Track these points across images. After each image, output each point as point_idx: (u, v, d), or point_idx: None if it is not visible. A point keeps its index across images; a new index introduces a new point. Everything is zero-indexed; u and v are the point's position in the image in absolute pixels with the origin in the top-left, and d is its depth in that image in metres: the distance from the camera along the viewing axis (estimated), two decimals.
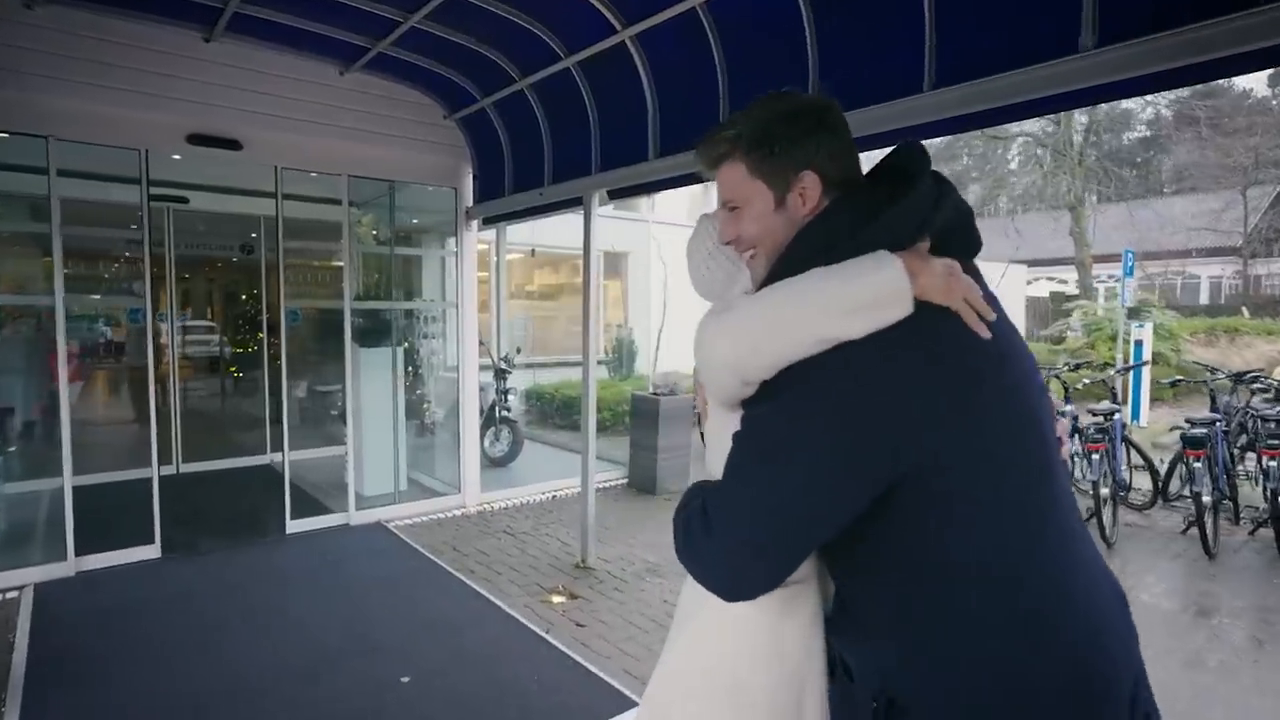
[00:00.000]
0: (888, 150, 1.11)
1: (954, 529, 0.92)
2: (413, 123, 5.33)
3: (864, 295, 0.91)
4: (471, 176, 5.67)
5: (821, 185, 1.04)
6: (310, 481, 6.17)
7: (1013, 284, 15.45)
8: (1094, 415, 5.46)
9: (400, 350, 6.19)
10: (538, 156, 4.85)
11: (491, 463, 6.94)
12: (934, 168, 1.05)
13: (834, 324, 0.91)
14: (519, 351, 8.44)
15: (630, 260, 12.34)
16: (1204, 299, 24.84)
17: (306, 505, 5.41)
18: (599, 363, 10.92)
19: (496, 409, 7.18)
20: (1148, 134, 29.56)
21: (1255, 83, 29.17)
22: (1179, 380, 7.01)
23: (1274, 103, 28.23)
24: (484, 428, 6.88)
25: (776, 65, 3.26)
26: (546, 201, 4.82)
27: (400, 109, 5.26)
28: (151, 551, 4.45)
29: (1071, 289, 21.53)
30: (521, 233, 9.66)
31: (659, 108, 3.90)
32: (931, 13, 2.63)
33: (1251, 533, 5.22)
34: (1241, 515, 5.48)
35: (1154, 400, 9.98)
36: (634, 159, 4.05)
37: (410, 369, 6.67)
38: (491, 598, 3.91)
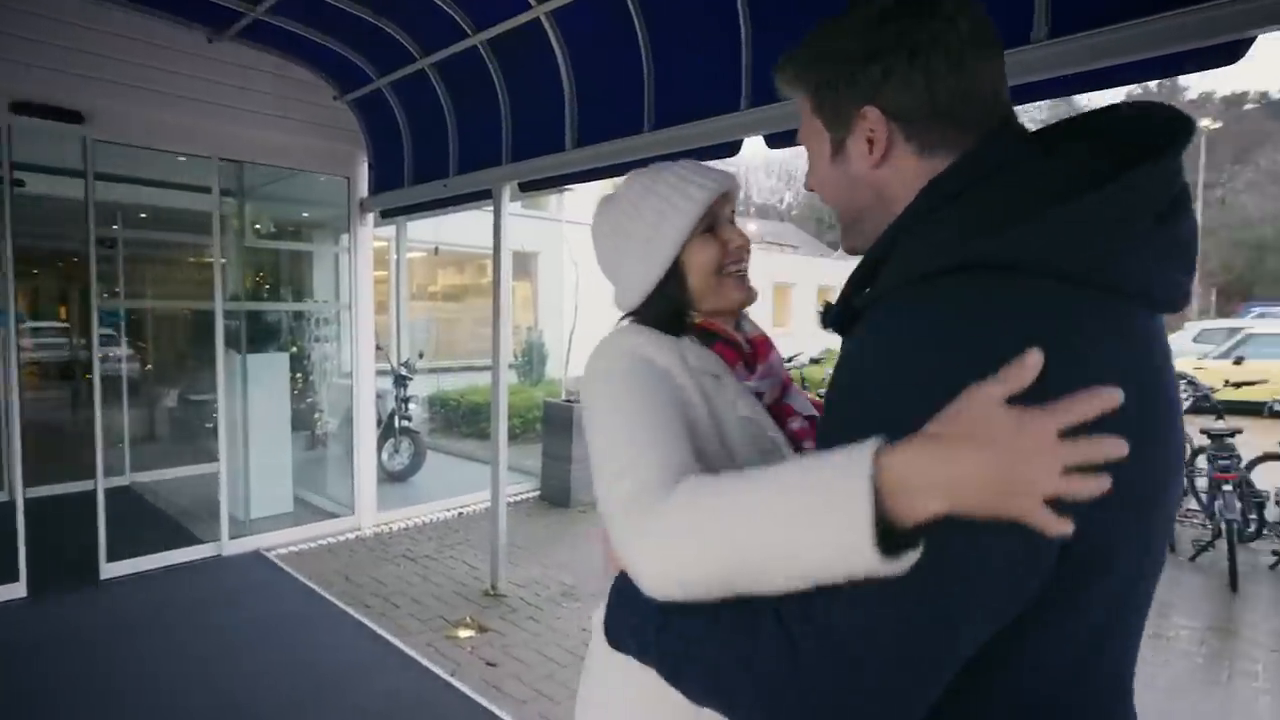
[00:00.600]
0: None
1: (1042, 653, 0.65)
2: (298, 102, 4.77)
3: (822, 558, 0.59)
4: (366, 165, 5.16)
5: (891, 127, 0.73)
6: (176, 505, 5.47)
7: None
8: None
9: (286, 356, 5.58)
10: (441, 144, 4.42)
11: (390, 477, 6.40)
12: None
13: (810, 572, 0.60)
14: (421, 356, 7.89)
15: (540, 260, 11.93)
16: None
17: (165, 534, 4.74)
18: (508, 367, 10.47)
19: (396, 418, 6.64)
20: None
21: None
22: None
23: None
24: (382, 439, 6.34)
25: (708, 49, 3.02)
26: (451, 194, 4.40)
27: (284, 86, 4.69)
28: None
29: None
30: (424, 230, 9.08)
31: (577, 93, 3.59)
32: None
33: None
34: None
35: None
36: (549, 148, 3.72)
37: (298, 376, 6.05)
38: (389, 637, 3.47)
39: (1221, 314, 20.25)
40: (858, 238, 0.81)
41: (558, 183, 4.05)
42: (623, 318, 1.07)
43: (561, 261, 11.65)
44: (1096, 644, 0.66)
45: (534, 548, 4.92)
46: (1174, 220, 0.65)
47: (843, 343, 0.73)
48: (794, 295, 20.27)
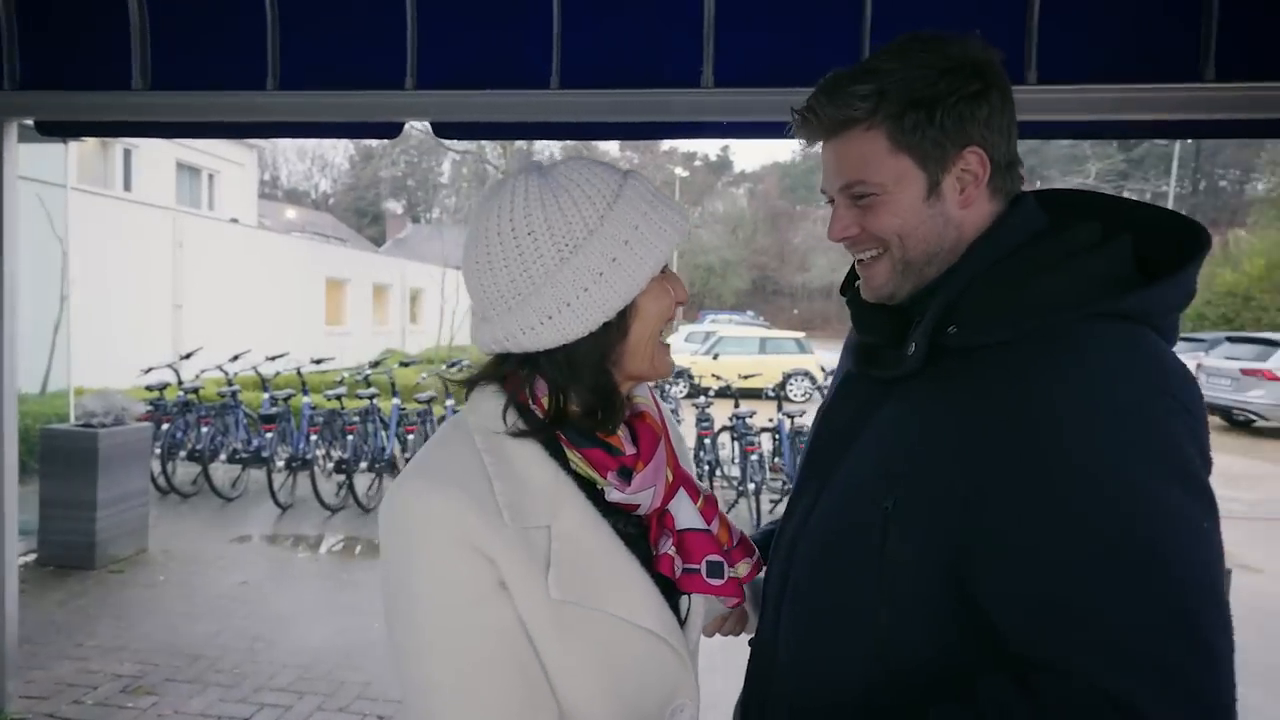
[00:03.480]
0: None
1: None
2: None
3: None
4: None
5: (989, 171, 0.77)
6: None
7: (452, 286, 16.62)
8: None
9: None
10: None
11: None
12: None
13: None
14: None
15: None
16: None
17: None
18: None
19: None
20: None
21: (610, 147, 39.48)
22: None
23: (622, 162, 38.61)
24: None
25: (358, 10, 2.56)
26: None
27: None
28: None
29: None
30: None
31: (150, 14, 2.65)
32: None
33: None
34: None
35: None
36: (102, 83, 2.67)
37: None
38: None
39: (689, 320, 26.55)
40: (910, 280, 0.80)
41: (121, 131, 2.98)
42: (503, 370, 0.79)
43: (34, 236, 8.54)
44: None
45: (55, 635, 3.50)
46: None
47: (953, 387, 0.73)
48: (349, 292, 18.69)
